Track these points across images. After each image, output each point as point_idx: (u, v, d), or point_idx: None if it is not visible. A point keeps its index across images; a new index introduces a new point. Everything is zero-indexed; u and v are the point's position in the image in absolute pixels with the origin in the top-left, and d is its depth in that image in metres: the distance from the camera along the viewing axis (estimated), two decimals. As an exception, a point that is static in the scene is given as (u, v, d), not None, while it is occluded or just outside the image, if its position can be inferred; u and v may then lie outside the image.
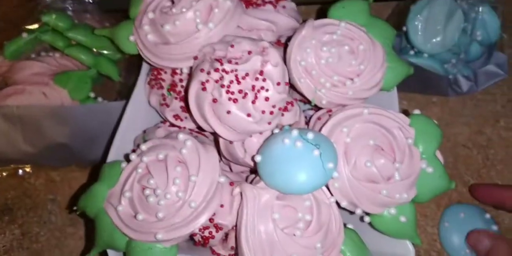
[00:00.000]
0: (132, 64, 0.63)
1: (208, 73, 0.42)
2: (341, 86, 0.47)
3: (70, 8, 0.60)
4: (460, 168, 0.67)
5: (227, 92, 0.41)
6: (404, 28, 0.64)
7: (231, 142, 0.46)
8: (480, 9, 0.64)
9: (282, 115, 0.45)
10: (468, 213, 0.62)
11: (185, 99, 0.48)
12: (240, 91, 0.41)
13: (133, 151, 0.51)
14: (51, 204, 0.64)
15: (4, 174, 0.64)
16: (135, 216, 0.41)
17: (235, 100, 0.41)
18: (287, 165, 0.40)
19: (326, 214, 0.43)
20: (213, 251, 0.46)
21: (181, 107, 0.49)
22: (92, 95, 0.60)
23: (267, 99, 0.42)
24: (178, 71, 0.49)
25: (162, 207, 0.40)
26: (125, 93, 0.61)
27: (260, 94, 0.42)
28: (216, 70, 0.41)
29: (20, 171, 0.64)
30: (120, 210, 0.41)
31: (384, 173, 0.43)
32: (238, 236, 0.41)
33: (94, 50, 0.61)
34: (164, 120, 0.52)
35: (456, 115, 0.71)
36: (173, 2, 0.47)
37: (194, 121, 0.47)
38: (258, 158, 0.42)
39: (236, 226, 0.42)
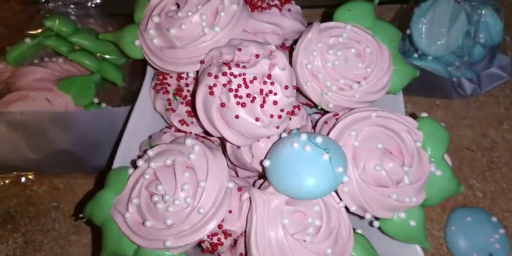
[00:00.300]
0: (136, 69, 0.62)
1: (216, 77, 0.41)
2: (347, 89, 0.46)
3: (72, 13, 0.60)
4: (465, 171, 0.67)
5: (235, 96, 0.40)
6: (408, 31, 0.64)
7: (238, 147, 0.46)
8: (483, 11, 0.64)
9: (290, 119, 0.45)
10: (474, 216, 0.62)
11: (192, 103, 0.48)
12: (248, 95, 0.41)
13: (139, 157, 0.50)
14: (55, 211, 0.63)
15: (7, 181, 0.63)
16: (143, 223, 0.40)
17: (243, 104, 0.41)
18: (296, 170, 0.40)
19: (335, 219, 0.42)
20: (221, 258, 0.46)
21: (187, 111, 0.49)
22: (96, 100, 0.60)
23: (275, 103, 0.41)
24: (184, 75, 0.49)
25: (170, 214, 0.39)
26: (129, 98, 0.60)
27: (268, 98, 0.41)
28: (224, 74, 0.41)
29: (23, 179, 0.63)
30: (128, 217, 0.41)
31: (393, 176, 0.43)
32: (248, 242, 0.40)
33: (98, 55, 0.60)
34: (170, 125, 0.52)
35: (460, 117, 0.71)
36: (178, 6, 0.47)
37: (200, 126, 0.47)
38: (266, 163, 0.41)
39: (245, 232, 0.42)
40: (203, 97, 0.42)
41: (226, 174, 0.42)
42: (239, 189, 0.43)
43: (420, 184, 0.43)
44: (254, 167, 0.46)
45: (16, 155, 0.57)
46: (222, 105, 0.41)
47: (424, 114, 0.48)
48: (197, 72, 0.46)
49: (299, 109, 0.47)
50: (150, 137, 0.52)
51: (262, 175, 0.48)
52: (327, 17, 0.50)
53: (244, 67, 0.41)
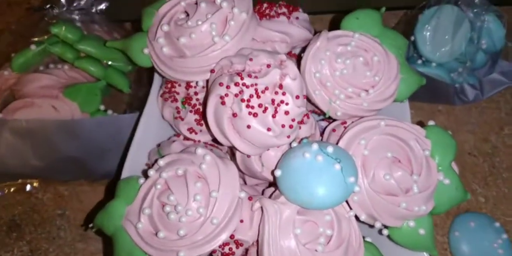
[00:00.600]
0: (142, 75, 0.62)
1: (228, 87, 0.41)
2: (355, 98, 0.47)
3: (77, 19, 0.59)
4: (467, 176, 0.67)
5: (247, 106, 0.40)
6: (412, 38, 0.65)
7: (248, 156, 0.46)
8: (486, 18, 0.65)
9: (299, 128, 0.45)
10: (477, 222, 0.62)
11: (202, 112, 0.48)
12: (260, 105, 0.41)
13: (148, 165, 0.50)
14: (60, 219, 0.62)
15: (12, 189, 0.62)
16: (155, 234, 0.40)
17: (255, 115, 0.41)
18: (308, 180, 0.40)
19: (346, 228, 0.43)
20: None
21: (196, 120, 0.49)
22: (102, 107, 0.59)
23: (287, 113, 0.41)
24: (193, 84, 0.48)
25: (183, 224, 0.39)
26: (135, 105, 0.60)
27: (280, 108, 0.41)
28: (236, 84, 0.41)
29: (28, 186, 0.62)
30: (140, 227, 0.41)
31: (403, 185, 0.43)
32: (261, 252, 0.40)
33: (104, 62, 0.60)
34: (178, 133, 0.52)
35: (462, 123, 0.71)
36: (187, 15, 0.47)
37: (210, 134, 0.47)
38: (278, 173, 0.41)
39: (257, 242, 0.42)
40: (214, 106, 0.42)
41: (238, 184, 0.42)
42: (250, 198, 0.43)
43: (429, 193, 0.44)
44: (264, 176, 0.46)
45: (22, 162, 0.56)
46: (234, 115, 0.41)
47: (431, 122, 0.48)
48: (207, 80, 0.46)
49: (308, 117, 0.47)
50: (158, 145, 0.52)
51: (272, 183, 0.48)
52: (335, 23, 0.50)
53: (255, 77, 0.41)
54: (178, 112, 0.49)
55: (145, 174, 0.43)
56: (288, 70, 0.43)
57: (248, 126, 0.41)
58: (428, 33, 0.63)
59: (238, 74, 0.41)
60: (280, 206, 0.41)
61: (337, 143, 0.45)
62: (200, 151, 0.42)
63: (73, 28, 0.57)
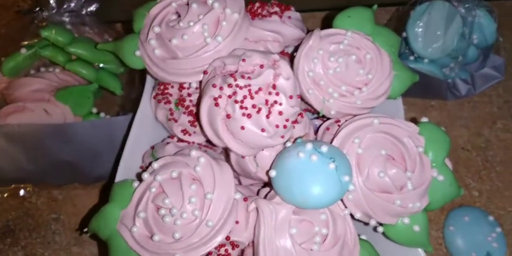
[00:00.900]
0: (134, 76, 0.61)
1: (221, 88, 0.41)
2: (349, 96, 0.47)
3: (67, 21, 0.59)
4: (461, 171, 0.67)
5: (241, 107, 0.40)
6: (404, 34, 0.65)
7: (243, 157, 0.46)
8: (477, 13, 0.65)
9: (293, 127, 0.45)
10: (472, 216, 0.62)
11: (196, 114, 0.47)
12: (253, 106, 0.41)
13: (142, 168, 0.50)
14: (55, 223, 0.62)
15: (5, 195, 0.62)
16: (151, 237, 0.40)
17: (249, 115, 0.41)
18: (303, 180, 0.40)
19: (341, 226, 0.43)
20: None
21: (189, 121, 0.48)
22: (94, 110, 0.59)
23: (280, 113, 0.41)
24: (186, 85, 0.48)
25: (178, 227, 0.39)
26: (128, 107, 0.59)
27: (273, 109, 0.41)
28: (230, 85, 0.40)
29: (22, 191, 0.62)
30: (135, 231, 0.40)
31: (397, 182, 0.43)
32: (257, 253, 0.40)
33: (95, 64, 0.59)
34: (172, 135, 0.52)
35: (455, 118, 0.72)
36: (179, 16, 0.46)
37: (204, 136, 0.47)
38: (273, 173, 0.41)
39: (253, 242, 0.42)
40: (208, 108, 0.42)
41: (233, 185, 0.42)
42: (245, 199, 0.43)
43: (423, 189, 0.44)
44: (258, 176, 0.46)
45: (15, 167, 0.56)
46: (228, 116, 0.41)
47: (424, 119, 0.48)
48: (200, 82, 0.46)
49: (301, 116, 0.47)
50: (152, 147, 0.51)
51: (267, 183, 0.48)
52: (328, 21, 0.50)
53: (249, 78, 0.41)
54: (172, 114, 0.49)
55: (139, 177, 0.43)
56: (281, 70, 0.42)
57: (242, 127, 0.41)
58: (420, 29, 0.63)
59: (231, 75, 0.41)
60: (276, 206, 0.41)
61: (331, 142, 0.46)
62: (194, 153, 0.42)
63: (63, 31, 0.57)
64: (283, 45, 0.51)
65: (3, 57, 0.58)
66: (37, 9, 0.57)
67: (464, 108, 0.72)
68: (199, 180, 0.41)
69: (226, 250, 0.43)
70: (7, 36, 0.58)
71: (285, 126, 0.42)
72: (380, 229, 0.45)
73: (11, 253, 0.61)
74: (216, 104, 0.41)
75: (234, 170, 0.49)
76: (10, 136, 0.53)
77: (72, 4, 0.58)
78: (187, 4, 0.46)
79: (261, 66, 0.42)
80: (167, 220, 0.39)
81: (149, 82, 0.53)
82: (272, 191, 0.43)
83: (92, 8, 0.59)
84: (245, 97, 0.41)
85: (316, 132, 0.52)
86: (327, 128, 0.50)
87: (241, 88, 0.41)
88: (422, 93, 0.70)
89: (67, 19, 0.59)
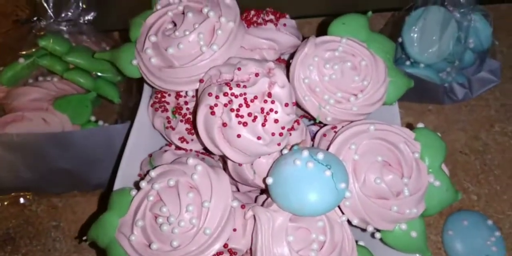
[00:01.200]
0: (131, 85, 0.62)
1: (217, 97, 0.41)
2: (345, 102, 0.47)
3: (65, 30, 0.59)
4: (459, 174, 0.68)
5: (237, 116, 0.41)
6: (400, 39, 0.65)
7: (240, 164, 0.46)
8: (472, 17, 0.65)
9: (290, 134, 0.45)
10: (470, 220, 0.62)
11: (192, 122, 0.48)
12: (249, 114, 0.41)
13: (140, 176, 0.50)
14: (55, 231, 0.62)
15: (5, 203, 0.62)
16: (149, 246, 0.40)
17: (244, 124, 0.41)
18: (299, 187, 0.40)
19: (339, 233, 0.43)
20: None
21: (187, 129, 0.49)
22: (93, 118, 0.59)
23: (276, 121, 0.41)
24: (182, 93, 0.49)
25: (176, 235, 0.40)
26: (126, 115, 0.60)
27: (269, 117, 0.41)
28: (225, 94, 0.41)
29: (22, 199, 0.62)
30: (133, 239, 0.41)
31: (394, 188, 0.44)
32: (254, 260, 0.41)
33: (93, 73, 0.60)
34: (169, 143, 0.52)
35: (452, 122, 0.72)
36: (175, 24, 0.47)
37: (201, 143, 0.47)
38: (269, 181, 0.41)
39: (251, 250, 0.42)
40: (204, 117, 0.42)
41: (230, 193, 0.42)
42: (243, 206, 0.44)
43: (420, 195, 0.44)
44: (256, 184, 0.47)
45: (14, 176, 0.56)
46: (224, 124, 0.41)
47: (420, 125, 0.48)
48: (196, 90, 0.46)
49: (298, 123, 0.48)
50: (150, 155, 0.52)
51: (264, 190, 0.49)
52: (324, 27, 0.50)
53: (244, 86, 0.42)
54: (169, 122, 0.50)
55: (137, 186, 0.43)
56: (277, 78, 0.43)
57: (238, 135, 0.41)
58: (415, 35, 0.64)
59: (227, 84, 0.42)
60: (273, 214, 0.41)
61: (327, 148, 0.46)
62: (191, 161, 0.43)
63: (61, 40, 0.57)
64: (279, 53, 0.52)
65: (2, 67, 0.58)
66: (35, 18, 0.58)
67: (462, 111, 0.72)
68: (197, 188, 0.41)
69: (224, 258, 0.43)
70: (5, 45, 0.59)
71: (281, 134, 0.42)
72: (378, 235, 0.45)
73: (11, 261, 0.62)
74: (212, 113, 0.41)
75: (232, 177, 0.49)
76: (9, 145, 0.53)
77: (70, 13, 0.59)
78: (183, 13, 0.47)
79: (256, 75, 0.42)
80: (164, 228, 0.39)
81: (146, 91, 0.53)
82: (269, 199, 0.44)
83: (90, 17, 0.60)
84: (240, 105, 0.41)
85: (313, 138, 0.53)
86: (324, 135, 0.51)
87: (236, 96, 0.41)
88: (419, 98, 0.70)
89: (64, 28, 0.59)
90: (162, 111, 0.50)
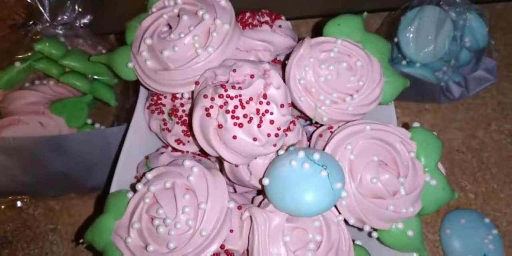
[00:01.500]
0: (128, 87, 0.62)
1: (212, 99, 0.41)
2: (341, 103, 0.47)
3: (61, 34, 0.59)
4: (456, 173, 0.68)
5: (232, 117, 0.41)
6: (396, 39, 0.65)
7: (236, 165, 0.46)
8: (468, 16, 0.65)
9: (286, 135, 0.46)
10: (468, 218, 0.63)
11: (188, 124, 0.48)
12: (245, 116, 0.41)
13: (136, 178, 0.50)
14: (52, 234, 0.62)
15: (2, 206, 0.62)
16: (145, 248, 0.40)
17: (240, 125, 0.41)
18: (295, 187, 0.40)
19: (335, 233, 0.43)
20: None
21: (183, 131, 0.49)
22: (89, 121, 0.59)
23: (272, 122, 0.42)
24: (178, 95, 0.49)
25: (173, 237, 0.40)
26: (122, 116, 0.60)
27: (265, 118, 0.41)
28: (220, 96, 0.41)
29: (19, 203, 0.62)
30: (130, 242, 0.41)
31: (390, 188, 0.44)
32: (251, 261, 0.41)
33: (89, 76, 0.60)
34: (166, 145, 0.52)
35: (449, 120, 0.72)
36: (170, 27, 0.47)
37: (197, 145, 0.47)
38: (266, 181, 0.42)
39: (248, 251, 0.42)
40: (200, 118, 0.43)
41: (226, 194, 0.42)
42: (239, 207, 0.44)
43: (416, 194, 0.44)
44: (252, 184, 0.47)
45: (11, 180, 0.56)
46: (220, 126, 0.41)
47: (416, 124, 0.48)
48: (192, 92, 0.47)
49: (294, 124, 0.48)
50: (146, 157, 0.52)
51: (260, 191, 0.49)
52: (320, 27, 0.51)
53: (239, 88, 0.42)
54: (165, 124, 0.50)
55: (133, 188, 0.43)
56: (272, 80, 0.43)
57: (234, 137, 0.41)
58: (411, 35, 0.64)
59: (222, 85, 0.42)
60: (269, 214, 0.42)
61: (324, 149, 0.46)
62: (187, 163, 0.43)
63: (57, 44, 0.57)
64: (274, 54, 0.52)
65: (-2, 71, 0.58)
66: (31, 22, 0.58)
67: (458, 110, 0.73)
68: (193, 190, 0.41)
69: (221, 259, 0.43)
70: (2, 49, 0.59)
71: (276, 135, 0.42)
72: (375, 234, 0.45)
73: (8, 265, 0.62)
74: (208, 115, 0.42)
75: (228, 179, 0.49)
76: (5, 149, 0.53)
77: (66, 17, 0.59)
78: (178, 15, 0.47)
79: (252, 76, 0.43)
80: (161, 230, 0.40)
81: (142, 93, 0.54)
82: (266, 199, 0.44)
83: (86, 20, 0.60)
84: (236, 107, 0.41)
85: (309, 138, 0.53)
86: (320, 135, 0.51)
87: (232, 98, 0.41)
88: (416, 97, 0.70)
89: (61, 32, 0.59)
90: (158, 113, 0.50)
